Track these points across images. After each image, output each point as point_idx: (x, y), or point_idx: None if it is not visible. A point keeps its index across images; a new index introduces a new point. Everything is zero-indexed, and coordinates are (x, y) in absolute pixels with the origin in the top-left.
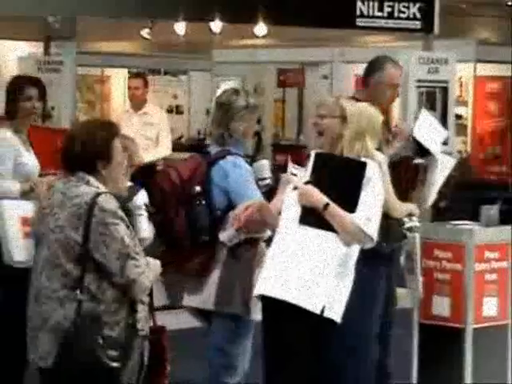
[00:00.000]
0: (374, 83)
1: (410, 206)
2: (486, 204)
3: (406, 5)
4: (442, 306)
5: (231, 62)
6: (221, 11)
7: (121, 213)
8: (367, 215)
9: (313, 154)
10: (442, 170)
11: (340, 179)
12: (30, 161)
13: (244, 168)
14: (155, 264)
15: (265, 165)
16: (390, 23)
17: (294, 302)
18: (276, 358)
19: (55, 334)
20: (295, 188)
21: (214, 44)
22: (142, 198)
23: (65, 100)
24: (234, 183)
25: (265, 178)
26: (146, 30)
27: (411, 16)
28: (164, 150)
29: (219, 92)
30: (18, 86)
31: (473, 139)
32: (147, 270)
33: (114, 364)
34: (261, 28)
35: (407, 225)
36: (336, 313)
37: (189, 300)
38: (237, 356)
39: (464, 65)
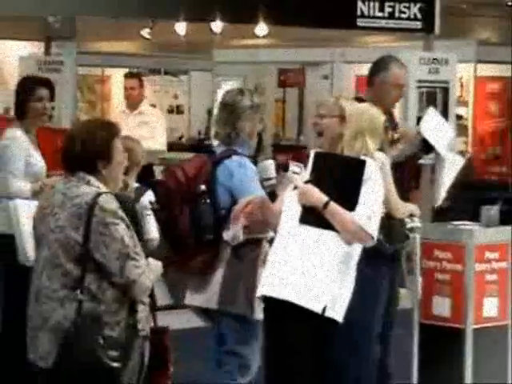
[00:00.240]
0: (378, 83)
1: (412, 207)
2: (487, 204)
3: (407, 5)
4: (442, 307)
5: (232, 62)
6: (221, 11)
7: (121, 213)
8: (367, 213)
9: (312, 153)
10: (450, 169)
11: (340, 178)
12: (39, 161)
13: (249, 168)
14: (156, 265)
15: (270, 165)
16: (391, 23)
17: (295, 301)
18: (278, 358)
19: (55, 334)
20: (295, 187)
21: (215, 44)
22: (148, 197)
23: (65, 100)
24: (239, 183)
25: (270, 178)
26: (147, 30)
27: (412, 16)
28: (158, 145)
29: (224, 92)
30: (28, 86)
31: (473, 140)
32: (147, 271)
33: (115, 364)
34: (261, 28)
35: (408, 225)
36: (338, 312)
37: (192, 299)
38: (248, 356)
39: (464, 65)
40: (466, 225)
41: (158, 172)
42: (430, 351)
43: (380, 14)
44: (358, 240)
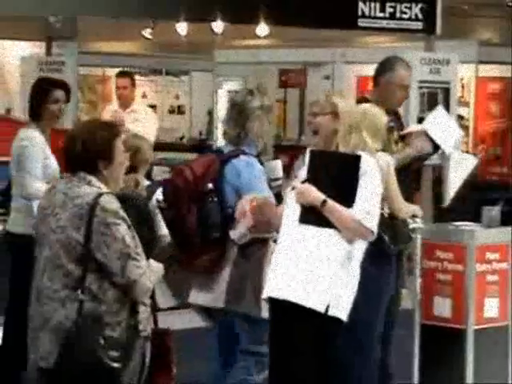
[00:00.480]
0: (384, 83)
1: (415, 208)
2: (488, 205)
3: (408, 5)
4: (443, 307)
5: (233, 63)
6: (222, 11)
7: (122, 213)
8: (366, 208)
9: (308, 152)
10: (458, 168)
11: (336, 175)
12: (54, 163)
13: (256, 167)
14: (157, 266)
15: (278, 165)
16: (392, 24)
17: (298, 302)
18: (282, 358)
19: (56, 335)
20: (293, 188)
21: (216, 44)
22: (156, 196)
23: None
24: (246, 182)
25: (277, 179)
26: (148, 30)
27: (413, 17)
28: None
29: (233, 92)
30: (44, 88)
31: (474, 140)
32: (148, 271)
33: (115, 364)
34: (262, 28)
35: (411, 226)
36: (341, 311)
37: (197, 297)
38: (263, 354)
39: (466, 66)
40: (467, 225)
41: (159, 171)
42: (430, 352)
43: (381, 15)
44: (359, 236)
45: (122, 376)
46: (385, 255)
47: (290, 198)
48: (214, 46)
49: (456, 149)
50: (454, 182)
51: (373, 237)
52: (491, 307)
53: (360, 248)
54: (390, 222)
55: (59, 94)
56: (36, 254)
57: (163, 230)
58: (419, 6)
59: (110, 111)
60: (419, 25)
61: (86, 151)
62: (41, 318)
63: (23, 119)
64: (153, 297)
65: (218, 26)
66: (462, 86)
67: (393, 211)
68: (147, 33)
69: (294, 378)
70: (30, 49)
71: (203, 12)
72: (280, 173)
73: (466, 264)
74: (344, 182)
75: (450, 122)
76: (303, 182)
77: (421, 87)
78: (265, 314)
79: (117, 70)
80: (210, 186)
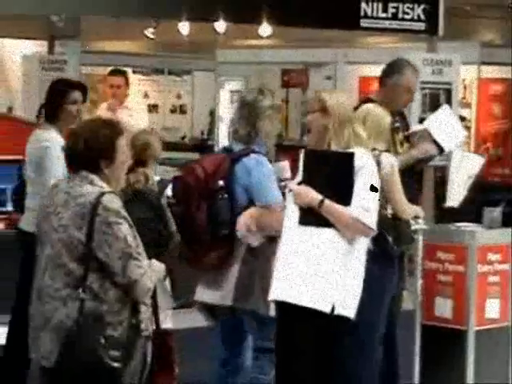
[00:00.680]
0: (391, 85)
1: (417, 209)
2: (490, 206)
3: (411, 6)
4: (444, 308)
5: (235, 62)
6: (225, 11)
7: (124, 212)
8: (363, 206)
9: (301, 153)
10: (461, 168)
11: (331, 174)
12: None
13: (267, 166)
14: (159, 266)
15: (286, 166)
16: (394, 24)
17: (303, 304)
18: (288, 359)
19: (58, 334)
20: (290, 190)
21: (218, 44)
22: (166, 191)
23: None
24: (256, 180)
25: (286, 179)
26: (150, 30)
27: (415, 17)
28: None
29: (244, 91)
30: (62, 89)
31: (476, 141)
32: (149, 271)
33: (116, 364)
34: (265, 28)
35: (413, 227)
36: (347, 309)
37: (203, 295)
38: (272, 351)
39: (468, 67)
40: (469, 226)
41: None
42: (431, 352)
43: (383, 15)
44: (359, 233)
45: (123, 376)
46: (388, 256)
47: (289, 199)
48: (216, 45)
49: (457, 148)
50: (457, 181)
51: (373, 233)
52: (492, 308)
53: (362, 245)
54: (394, 223)
55: (76, 94)
56: (37, 253)
57: (173, 226)
58: (421, 6)
59: (103, 109)
60: (421, 25)
61: (88, 150)
62: (42, 317)
63: (25, 118)
64: (154, 297)
65: (221, 25)
66: (464, 87)
67: (396, 212)
68: (149, 32)
69: (299, 380)
70: (33, 47)
71: (205, 12)
72: (288, 173)
73: (467, 265)
74: (339, 180)
75: (454, 122)
76: (299, 184)
77: (423, 88)
78: (273, 312)
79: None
80: (221, 183)
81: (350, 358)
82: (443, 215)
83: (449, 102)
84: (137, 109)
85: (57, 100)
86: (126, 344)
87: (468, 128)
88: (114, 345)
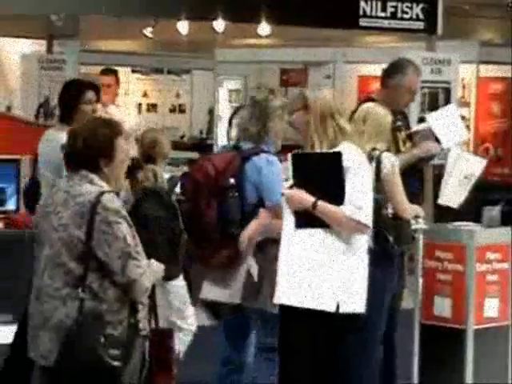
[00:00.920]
0: (393, 85)
1: (417, 208)
2: (489, 205)
3: (410, 5)
4: (443, 307)
5: (234, 62)
6: (224, 10)
7: (124, 212)
8: (356, 204)
9: (289, 156)
10: (458, 167)
11: (320, 175)
12: None
13: (277, 165)
14: (158, 266)
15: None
16: (393, 24)
17: (307, 306)
18: (292, 360)
19: (57, 333)
20: (282, 194)
21: (217, 43)
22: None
23: None
24: (267, 179)
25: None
26: (149, 29)
27: (414, 17)
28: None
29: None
30: (76, 90)
31: (475, 140)
32: (148, 271)
33: (115, 363)
34: (264, 27)
35: (413, 227)
36: (353, 305)
37: (209, 293)
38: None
39: (467, 66)
40: (468, 225)
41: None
42: (430, 351)
43: (382, 14)
44: (354, 231)
45: (122, 375)
46: (388, 255)
47: (284, 204)
48: (215, 44)
49: (455, 146)
50: (451, 180)
51: (368, 230)
52: (491, 307)
53: (361, 243)
54: (394, 223)
55: (90, 94)
56: (36, 253)
57: (181, 224)
58: (420, 5)
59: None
60: (420, 25)
61: (87, 149)
62: (41, 317)
63: (24, 117)
64: (152, 297)
65: (220, 24)
66: (463, 86)
67: (397, 212)
68: (148, 31)
69: (302, 380)
70: (32, 47)
71: (204, 11)
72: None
73: (466, 264)
74: (329, 181)
75: (458, 122)
76: (290, 187)
77: (422, 87)
78: (277, 309)
79: (118, 68)
80: (232, 180)
81: (353, 356)
82: (442, 214)
83: (448, 101)
84: (126, 107)
85: (72, 101)
86: (126, 343)
87: (467, 127)
88: (113, 344)
